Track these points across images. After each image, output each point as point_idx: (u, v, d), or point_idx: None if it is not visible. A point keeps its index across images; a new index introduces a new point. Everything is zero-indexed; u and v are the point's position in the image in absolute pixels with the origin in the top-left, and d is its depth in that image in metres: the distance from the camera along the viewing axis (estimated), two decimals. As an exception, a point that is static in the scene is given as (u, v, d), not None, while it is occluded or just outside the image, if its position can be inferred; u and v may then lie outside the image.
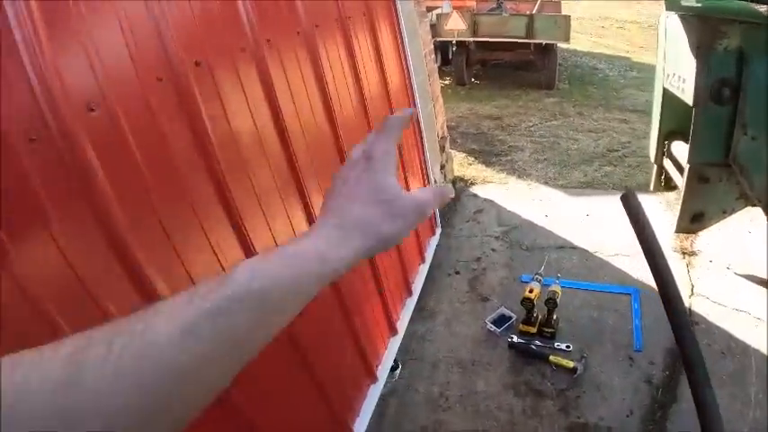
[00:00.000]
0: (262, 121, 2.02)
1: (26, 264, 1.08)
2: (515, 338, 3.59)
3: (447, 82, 10.10)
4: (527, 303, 3.58)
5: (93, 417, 0.40)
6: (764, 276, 4.03)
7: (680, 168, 3.98)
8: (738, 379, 3.23)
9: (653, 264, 1.38)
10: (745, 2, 3.15)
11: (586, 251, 4.47)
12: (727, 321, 3.70)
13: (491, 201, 5.37)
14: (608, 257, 4.38)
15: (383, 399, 3.18)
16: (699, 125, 3.36)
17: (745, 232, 4.55)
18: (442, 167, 5.18)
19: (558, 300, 3.54)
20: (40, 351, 0.42)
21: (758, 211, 3.55)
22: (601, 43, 13.72)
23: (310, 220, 2.36)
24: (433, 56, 5.20)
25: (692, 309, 3.84)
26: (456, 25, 9.00)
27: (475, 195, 5.50)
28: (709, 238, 4.48)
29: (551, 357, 3.44)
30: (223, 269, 1.63)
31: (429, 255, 4.16)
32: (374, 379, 3.02)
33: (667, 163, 4.19)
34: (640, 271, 4.20)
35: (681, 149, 3.93)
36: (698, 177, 3.59)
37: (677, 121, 4.02)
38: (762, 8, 3.00)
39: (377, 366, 3.08)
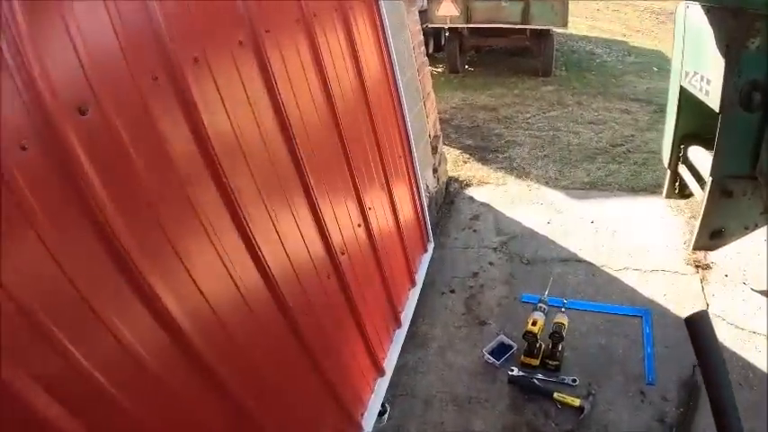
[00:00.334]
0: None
1: (18, 273, 1.04)
2: (516, 371, 3.18)
3: (440, 70, 9.57)
4: (530, 337, 3.15)
5: None
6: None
7: (697, 176, 3.58)
8: (758, 412, 2.86)
9: (718, 402, 1.03)
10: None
11: (593, 265, 4.03)
12: (745, 347, 3.34)
13: (488, 205, 4.91)
14: (616, 273, 3.95)
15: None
16: (725, 134, 2.92)
17: (762, 243, 4.13)
18: (435, 171, 4.71)
19: (564, 333, 3.12)
20: None
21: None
22: (597, 27, 13.14)
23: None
24: (423, 48, 4.67)
25: (708, 332, 3.43)
26: (448, 11, 8.44)
27: (471, 199, 5.04)
28: (724, 249, 4.04)
29: (556, 394, 3.04)
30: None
31: (420, 276, 3.71)
32: (359, 430, 2.60)
33: (683, 169, 3.75)
34: (650, 288, 3.80)
35: (698, 155, 3.54)
36: (720, 191, 3.16)
37: (695, 124, 3.61)
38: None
39: (361, 415, 2.65)
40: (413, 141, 3.73)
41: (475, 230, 4.56)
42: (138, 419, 1.34)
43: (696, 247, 3.56)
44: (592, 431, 2.88)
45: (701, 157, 3.48)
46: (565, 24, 8.35)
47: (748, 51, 2.67)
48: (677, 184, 4.01)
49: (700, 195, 3.55)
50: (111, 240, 1.24)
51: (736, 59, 2.71)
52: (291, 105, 2.09)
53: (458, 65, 9.47)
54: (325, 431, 2.36)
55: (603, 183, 5.13)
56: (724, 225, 3.34)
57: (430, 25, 8.79)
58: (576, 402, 2.98)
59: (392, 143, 3.37)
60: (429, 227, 4.01)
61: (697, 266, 3.97)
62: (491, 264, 4.13)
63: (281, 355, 2.01)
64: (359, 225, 2.69)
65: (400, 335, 3.19)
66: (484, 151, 6.07)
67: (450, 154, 5.86)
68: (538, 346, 3.21)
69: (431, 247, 4.05)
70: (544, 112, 7.28)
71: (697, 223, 3.35)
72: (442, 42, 9.90)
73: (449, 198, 5.05)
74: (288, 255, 2.01)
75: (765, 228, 3.34)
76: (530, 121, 6.99)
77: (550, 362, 3.20)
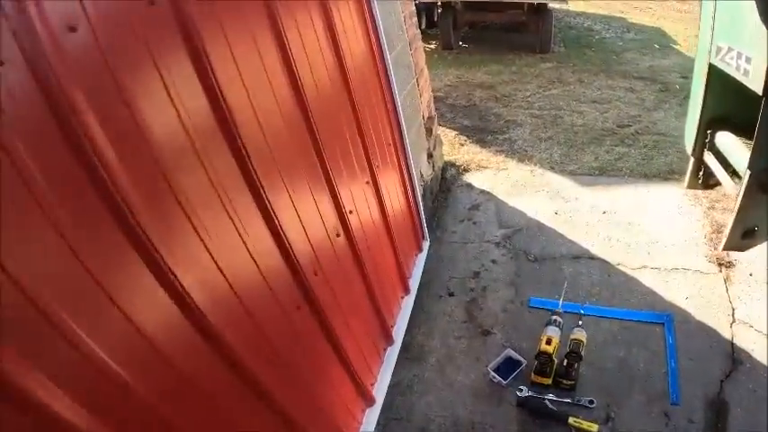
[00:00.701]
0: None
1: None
2: (526, 391, 2.69)
3: (432, 46, 8.93)
4: (544, 358, 2.67)
5: None
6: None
7: (725, 165, 3.09)
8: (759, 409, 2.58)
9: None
10: None
11: (607, 263, 3.53)
12: (775, 356, 2.90)
13: (489, 193, 4.37)
14: (633, 272, 3.46)
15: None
16: (768, 121, 2.41)
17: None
18: (430, 156, 4.17)
19: (582, 351, 2.63)
20: None
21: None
22: (594, 3, 12.48)
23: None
24: (415, 19, 4.07)
25: (735, 342, 2.98)
26: (441, -16, 7.79)
27: (469, 186, 4.50)
28: (748, 245, 3.59)
29: (571, 419, 2.58)
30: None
31: (414, 281, 3.19)
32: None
33: (708, 157, 3.26)
34: (671, 290, 3.32)
35: (728, 142, 3.06)
36: (759, 186, 2.67)
37: (725, 107, 3.13)
38: None
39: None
40: (404, 126, 3.19)
41: (475, 222, 4.03)
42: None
43: (727, 248, 3.07)
44: (612, 463, 2.44)
45: (732, 145, 3.01)
46: (564, -1, 7.75)
47: (799, 25, 2.16)
48: (701, 173, 3.53)
49: (729, 188, 3.08)
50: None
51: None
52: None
53: (451, 41, 8.81)
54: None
55: (613, 168, 4.59)
56: (758, 223, 2.87)
57: (422, 0, 8.15)
58: (594, 428, 2.54)
59: (379, 130, 2.82)
60: (424, 222, 3.48)
61: (720, 264, 3.48)
62: (494, 261, 3.62)
63: (242, 407, 1.51)
64: (337, 235, 2.14)
65: (393, 353, 2.69)
66: (482, 132, 5.51)
67: (446, 136, 5.30)
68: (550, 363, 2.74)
69: (426, 245, 3.53)
70: (544, 90, 6.70)
71: (730, 221, 2.86)
72: (435, 18, 9.23)
73: (445, 185, 4.50)
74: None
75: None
76: (529, 99, 6.41)
77: (565, 381, 2.72)
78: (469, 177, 4.63)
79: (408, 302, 3.02)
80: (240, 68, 1.49)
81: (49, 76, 0.93)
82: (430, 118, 4.39)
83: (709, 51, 2.98)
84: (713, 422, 2.59)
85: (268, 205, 1.60)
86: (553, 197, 4.23)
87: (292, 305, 1.73)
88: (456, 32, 8.92)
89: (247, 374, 1.48)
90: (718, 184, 3.41)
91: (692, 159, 3.53)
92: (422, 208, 3.43)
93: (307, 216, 1.89)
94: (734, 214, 2.80)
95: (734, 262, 3.51)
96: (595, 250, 3.63)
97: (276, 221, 1.64)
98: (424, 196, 3.71)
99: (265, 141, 1.61)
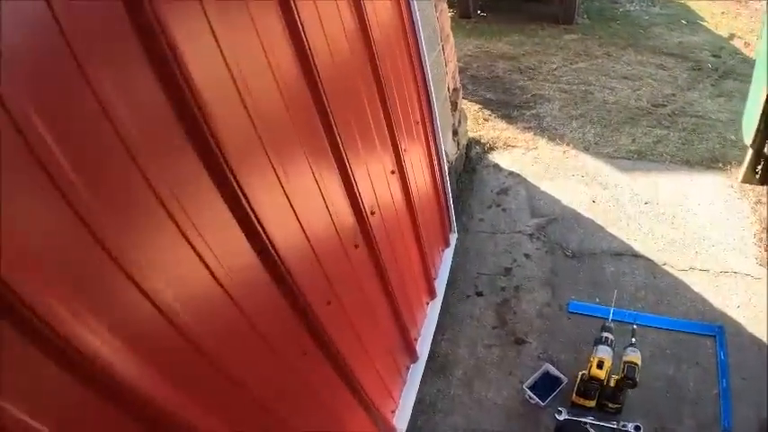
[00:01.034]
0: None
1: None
2: (565, 414, 2.28)
3: (450, 14, 8.28)
4: (594, 385, 2.24)
5: None
6: None
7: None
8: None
9: None
10: None
11: (652, 262, 3.07)
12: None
13: (518, 175, 3.87)
14: (680, 273, 3.01)
15: None
16: None
17: None
18: (455, 133, 3.67)
19: (638, 376, 2.19)
20: None
21: None
22: (617, -28, 11.69)
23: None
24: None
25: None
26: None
27: (496, 167, 4.00)
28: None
29: (619, 449, 2.17)
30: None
31: (441, 282, 2.73)
32: None
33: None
34: (721, 296, 2.88)
35: None
36: None
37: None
38: None
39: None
40: (434, 100, 2.69)
41: (504, 209, 3.55)
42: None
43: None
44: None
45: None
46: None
47: None
48: (760, 167, 3.07)
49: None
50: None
51: None
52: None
53: (470, 9, 8.11)
54: None
55: (653, 152, 4.08)
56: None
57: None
58: (643, 460, 2.14)
59: (406, 106, 2.32)
60: (452, 214, 3.00)
61: (772, 267, 3.04)
62: (527, 256, 3.16)
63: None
64: (356, 246, 1.68)
65: (416, 371, 2.27)
66: (507, 107, 4.98)
67: (469, 110, 4.77)
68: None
69: (454, 238, 3.06)
70: (571, 64, 6.11)
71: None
72: (453, -17, 8.55)
73: (470, 165, 4.00)
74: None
75: None
76: (555, 72, 5.84)
77: (611, 404, 2.31)
78: (496, 157, 4.13)
79: (434, 307, 2.57)
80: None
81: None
82: (455, 90, 3.88)
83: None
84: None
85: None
86: (589, 183, 3.74)
87: (299, 352, 1.31)
88: (474, 0, 8.27)
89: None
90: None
91: (749, 151, 3.07)
92: (450, 198, 2.95)
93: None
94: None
95: (788, 266, 3.07)
96: (639, 247, 3.17)
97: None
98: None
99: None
